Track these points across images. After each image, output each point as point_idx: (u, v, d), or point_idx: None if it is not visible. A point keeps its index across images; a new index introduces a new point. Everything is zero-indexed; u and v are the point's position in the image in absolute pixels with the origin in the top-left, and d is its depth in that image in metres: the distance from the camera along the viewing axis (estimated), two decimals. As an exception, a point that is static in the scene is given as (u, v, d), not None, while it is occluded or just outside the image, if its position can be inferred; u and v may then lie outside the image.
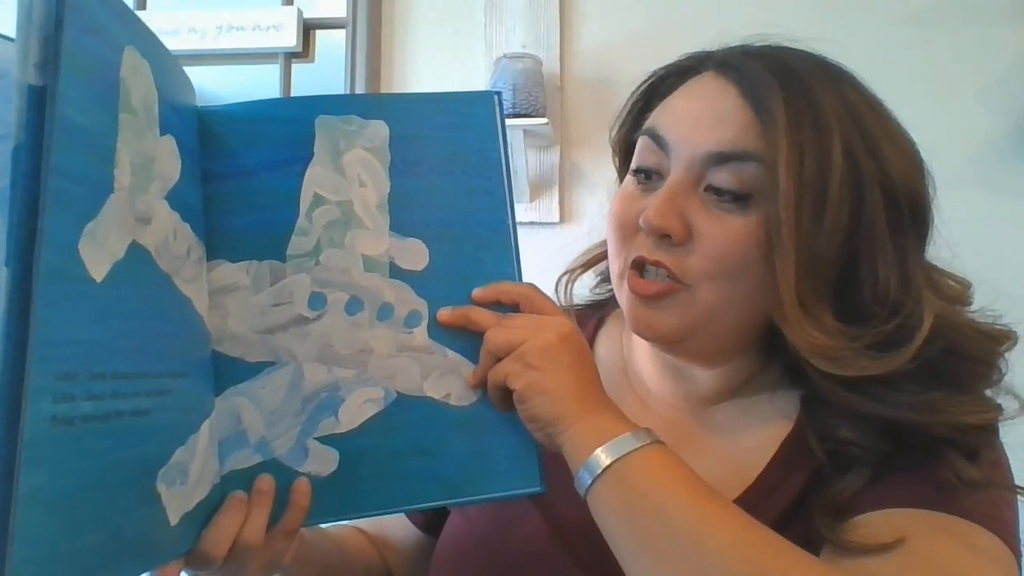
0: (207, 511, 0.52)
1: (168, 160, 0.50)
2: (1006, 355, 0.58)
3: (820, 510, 0.56)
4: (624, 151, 0.72)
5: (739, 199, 0.57)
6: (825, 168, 0.55)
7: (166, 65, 0.51)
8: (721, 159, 0.58)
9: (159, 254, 0.47)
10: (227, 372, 0.55)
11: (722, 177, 0.58)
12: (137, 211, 0.45)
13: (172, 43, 1.68)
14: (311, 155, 0.58)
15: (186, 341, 0.51)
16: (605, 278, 0.78)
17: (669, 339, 0.61)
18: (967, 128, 1.47)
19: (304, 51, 1.75)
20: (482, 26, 1.74)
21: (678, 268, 0.59)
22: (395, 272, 0.58)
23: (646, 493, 0.51)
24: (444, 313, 0.59)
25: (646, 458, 0.52)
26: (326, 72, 1.74)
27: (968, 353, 0.56)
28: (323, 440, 0.56)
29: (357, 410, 0.57)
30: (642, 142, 0.63)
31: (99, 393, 0.40)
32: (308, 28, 1.77)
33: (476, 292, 0.59)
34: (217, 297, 0.56)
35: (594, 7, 1.70)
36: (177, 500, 0.47)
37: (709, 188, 0.58)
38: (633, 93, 0.70)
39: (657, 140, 0.61)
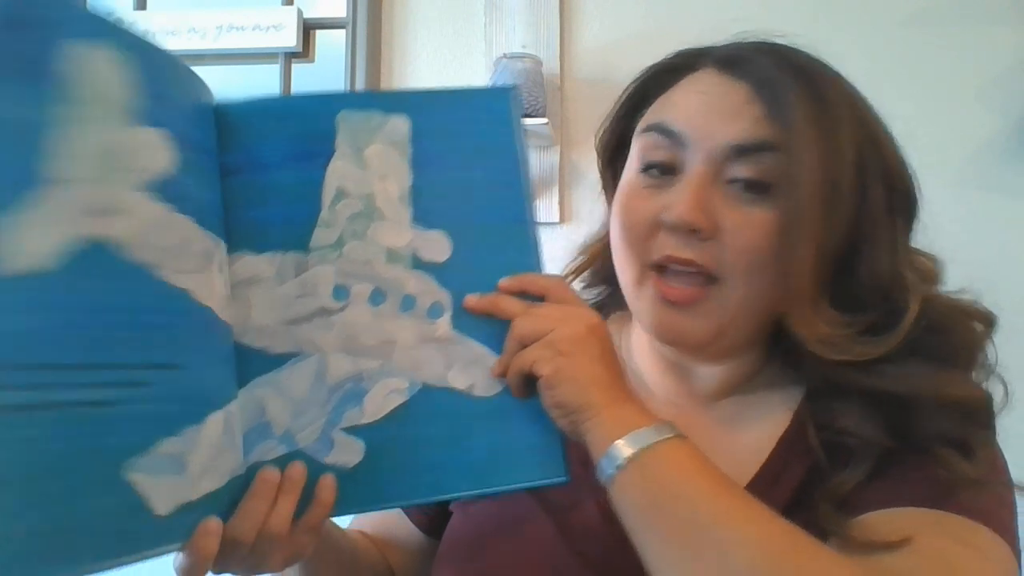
0: (223, 502, 0.51)
1: (149, 152, 0.49)
2: (991, 339, 0.59)
3: (824, 502, 0.56)
4: (612, 152, 0.71)
5: (761, 190, 0.58)
6: (840, 161, 0.57)
7: (154, 59, 0.51)
8: (742, 151, 0.58)
9: (133, 245, 0.47)
10: (251, 364, 0.56)
11: (745, 169, 0.58)
12: (92, 203, 0.44)
13: (172, 43, 1.68)
14: (332, 150, 0.58)
15: (179, 333, 0.50)
16: (588, 284, 0.79)
17: (700, 344, 0.61)
18: (967, 128, 1.47)
19: (304, 51, 1.75)
20: (482, 26, 1.74)
21: (710, 264, 0.59)
22: (418, 264, 0.58)
23: (669, 484, 0.51)
24: (472, 299, 0.59)
25: (670, 450, 0.52)
26: (326, 72, 1.74)
27: (951, 332, 0.58)
28: (348, 431, 0.56)
29: (382, 401, 0.57)
30: (649, 138, 0.63)
31: (24, 384, 0.40)
32: (308, 28, 1.76)
33: (503, 282, 0.59)
34: (240, 289, 0.56)
35: (594, 7, 1.70)
36: (167, 490, 0.47)
37: (731, 180, 0.59)
38: (625, 91, 0.70)
39: (669, 134, 0.61)
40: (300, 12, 1.73)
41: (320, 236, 0.57)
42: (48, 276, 0.41)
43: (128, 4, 1.71)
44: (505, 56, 1.62)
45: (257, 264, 0.57)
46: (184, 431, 0.49)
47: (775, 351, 0.65)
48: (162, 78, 0.51)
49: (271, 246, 0.57)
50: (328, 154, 0.58)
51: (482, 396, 0.58)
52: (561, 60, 1.70)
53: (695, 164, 0.59)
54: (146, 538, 0.46)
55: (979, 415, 0.57)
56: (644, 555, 0.51)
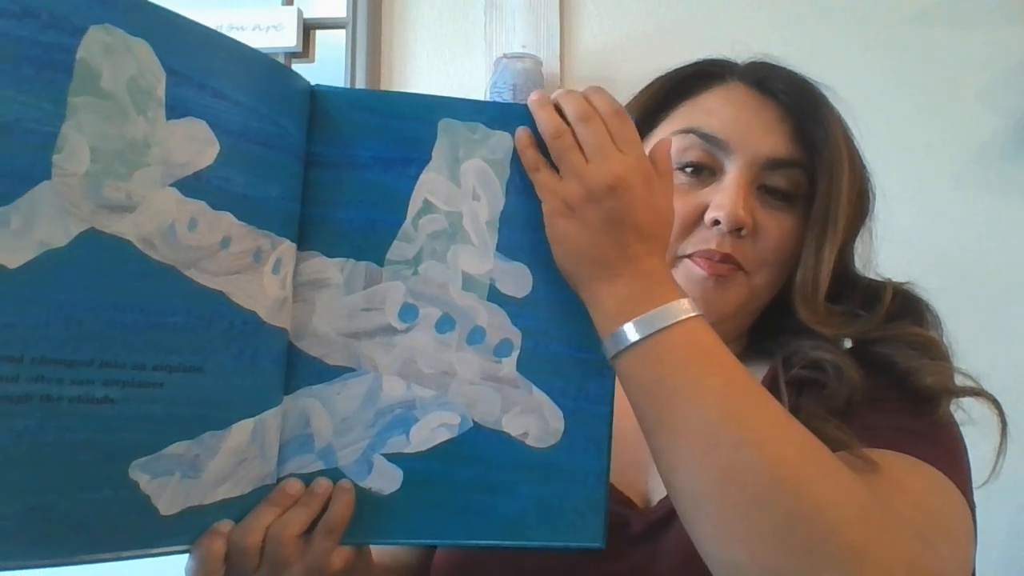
0: (244, 509, 0.50)
1: (182, 144, 0.46)
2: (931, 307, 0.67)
3: (815, 411, 0.58)
4: None
5: (788, 199, 0.67)
6: (862, 176, 0.70)
7: (205, 46, 0.48)
8: (777, 164, 0.66)
9: (152, 243, 0.45)
10: (303, 371, 0.53)
11: (777, 179, 0.67)
12: (101, 198, 0.43)
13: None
14: (428, 158, 0.55)
15: (206, 336, 0.48)
16: None
17: (731, 313, 0.67)
18: (967, 128, 1.48)
19: (304, 51, 1.73)
20: (482, 26, 1.73)
21: (744, 258, 0.66)
22: (494, 295, 0.55)
23: (678, 376, 0.49)
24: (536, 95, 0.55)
25: (682, 336, 0.50)
26: (326, 72, 1.72)
27: (905, 300, 0.67)
28: (390, 457, 0.54)
29: (430, 433, 0.54)
30: (685, 140, 0.68)
31: (16, 376, 0.40)
32: (308, 28, 1.74)
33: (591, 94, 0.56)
34: (305, 291, 0.53)
35: (594, 7, 1.69)
36: (174, 492, 0.46)
37: (763, 188, 0.67)
38: (643, 93, 0.74)
39: (708, 139, 0.67)
40: (300, 12, 1.72)
41: (397, 249, 0.54)
42: (42, 271, 0.40)
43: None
44: (505, 56, 1.62)
45: (327, 268, 0.54)
46: (202, 436, 0.47)
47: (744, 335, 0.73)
48: (213, 65, 0.48)
49: (344, 251, 0.54)
50: (422, 162, 0.55)
51: (534, 446, 0.55)
52: (561, 60, 1.69)
53: (736, 170, 0.66)
54: (147, 535, 0.46)
55: (931, 349, 0.64)
56: (650, 444, 0.50)
